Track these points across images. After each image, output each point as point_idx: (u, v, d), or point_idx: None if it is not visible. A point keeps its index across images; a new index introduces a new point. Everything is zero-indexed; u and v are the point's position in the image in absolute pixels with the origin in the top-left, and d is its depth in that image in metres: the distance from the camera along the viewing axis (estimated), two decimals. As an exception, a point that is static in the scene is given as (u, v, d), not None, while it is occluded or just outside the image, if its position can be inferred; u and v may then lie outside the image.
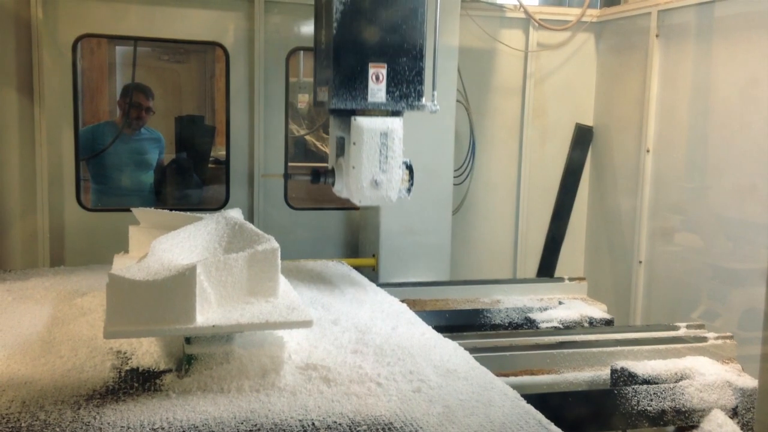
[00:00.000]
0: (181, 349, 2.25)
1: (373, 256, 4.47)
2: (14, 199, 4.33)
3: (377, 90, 3.13)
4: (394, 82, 3.15)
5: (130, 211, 3.24)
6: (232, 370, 2.16)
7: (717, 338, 3.16)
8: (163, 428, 1.88)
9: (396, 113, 3.20)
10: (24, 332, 2.57)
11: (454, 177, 4.71)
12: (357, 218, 4.86)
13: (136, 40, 4.83)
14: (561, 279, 4.22)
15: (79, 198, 4.45)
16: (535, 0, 5.44)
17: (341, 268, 3.86)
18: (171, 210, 3.09)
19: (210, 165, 6.74)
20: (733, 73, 4.16)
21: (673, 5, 4.55)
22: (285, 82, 4.73)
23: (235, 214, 2.82)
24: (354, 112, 3.15)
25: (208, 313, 2.15)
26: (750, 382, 2.77)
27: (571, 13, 5.22)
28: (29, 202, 4.34)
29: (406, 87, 3.17)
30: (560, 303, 3.83)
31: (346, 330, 2.69)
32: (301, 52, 6.08)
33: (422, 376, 2.26)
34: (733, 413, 2.71)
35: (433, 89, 3.32)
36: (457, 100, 4.67)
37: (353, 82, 3.10)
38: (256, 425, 1.91)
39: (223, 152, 4.86)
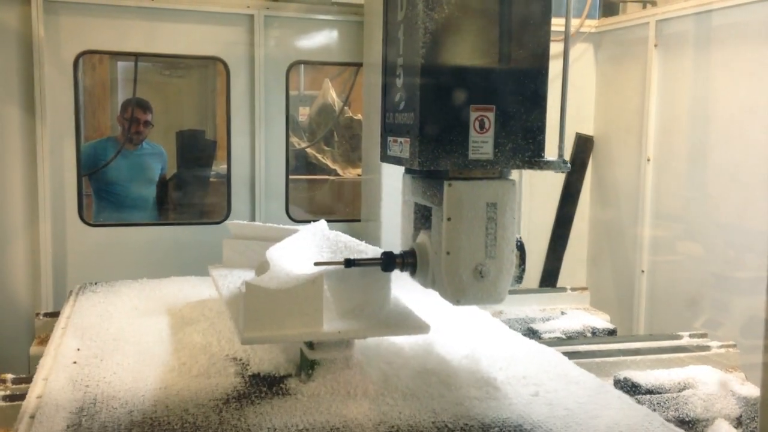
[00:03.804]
0: (299, 355, 2.33)
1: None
2: (17, 214, 4.34)
3: (482, 142, 2.19)
4: (504, 131, 2.20)
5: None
6: (354, 375, 2.24)
7: (720, 347, 3.16)
8: (307, 429, 1.95)
9: (505, 175, 2.29)
10: (138, 340, 2.64)
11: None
12: (359, 230, 4.87)
13: (137, 56, 4.87)
14: (563, 289, 4.21)
15: (81, 213, 4.46)
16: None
17: (404, 276, 3.87)
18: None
19: (211, 179, 6.76)
20: (732, 81, 4.17)
21: (671, 15, 4.57)
22: (285, 96, 4.75)
23: (323, 226, 2.86)
24: (447, 174, 2.20)
25: (330, 320, 2.24)
26: (753, 390, 2.76)
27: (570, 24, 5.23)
28: (31, 217, 4.34)
29: (522, 137, 2.24)
30: (563, 313, 3.82)
31: (450, 336, 2.70)
32: (302, 65, 6.12)
33: (536, 380, 2.30)
34: (738, 422, 2.69)
35: (561, 140, 2.41)
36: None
37: (447, 132, 2.16)
38: (393, 426, 1.97)
39: (225, 166, 4.88)
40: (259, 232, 3.05)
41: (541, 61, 2.32)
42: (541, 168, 2.30)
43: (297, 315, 2.17)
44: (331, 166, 7.40)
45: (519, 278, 2.37)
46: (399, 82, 2.34)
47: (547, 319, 3.70)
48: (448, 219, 2.20)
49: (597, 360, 3.02)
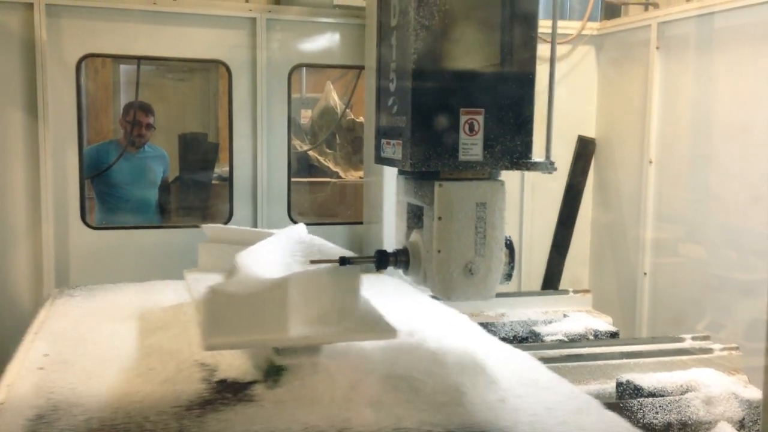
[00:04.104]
0: (267, 361, 2.30)
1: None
2: (19, 217, 4.35)
3: (472, 144, 2.26)
4: (493, 134, 2.27)
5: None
6: (322, 381, 2.20)
7: (723, 349, 3.15)
8: None
9: (495, 175, 2.36)
10: (109, 345, 2.62)
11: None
12: (361, 233, 4.87)
13: (139, 59, 4.88)
14: (565, 291, 4.22)
15: (83, 216, 4.47)
16: (535, 14, 5.46)
17: (393, 281, 3.87)
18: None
19: (214, 181, 6.77)
20: (734, 83, 4.17)
21: (673, 17, 4.57)
22: (287, 99, 4.75)
23: (301, 229, 2.85)
24: (438, 175, 2.29)
25: (297, 325, 2.20)
26: (756, 393, 2.76)
27: (572, 27, 5.24)
28: (34, 220, 4.35)
29: (511, 139, 2.30)
30: (565, 316, 3.82)
31: (422, 341, 2.68)
32: (303, 68, 6.13)
33: (506, 385, 2.27)
34: (740, 425, 2.69)
35: (548, 141, 2.45)
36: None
37: (438, 134, 2.23)
38: None
39: (227, 168, 4.89)
40: (235, 236, 3.02)
41: (528, 65, 2.34)
42: (528, 169, 2.36)
43: (261, 320, 2.13)
44: (333, 168, 7.41)
45: (508, 276, 2.43)
46: (392, 86, 2.40)
47: (550, 322, 3.70)
48: (439, 218, 2.27)
49: (599, 363, 3.02)
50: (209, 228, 3.20)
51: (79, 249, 4.46)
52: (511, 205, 5.29)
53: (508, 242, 2.39)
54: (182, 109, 8.12)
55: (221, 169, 6.69)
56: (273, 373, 2.24)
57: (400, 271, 2.51)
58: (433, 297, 3.32)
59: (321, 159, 7.44)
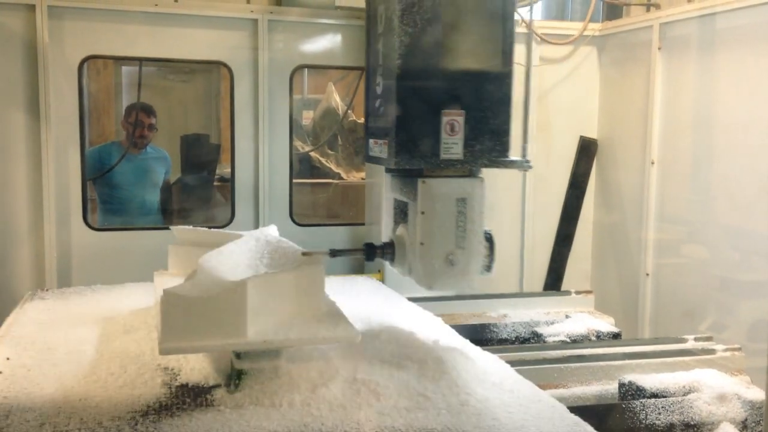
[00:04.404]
0: (229, 365, 2.28)
1: (379, 271, 4.47)
2: (21, 219, 4.36)
3: (452, 143, 2.42)
4: (473, 133, 2.43)
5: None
6: (282, 385, 2.18)
7: (725, 350, 3.14)
8: None
9: (475, 173, 2.52)
10: (72, 349, 2.59)
11: (459, 192, 4.70)
12: (363, 234, 4.87)
13: (141, 61, 4.88)
14: (568, 292, 4.21)
15: (85, 217, 4.47)
16: (537, 14, 5.47)
17: (370, 282, 3.86)
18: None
19: (215, 183, 6.78)
20: (736, 84, 4.17)
21: (675, 18, 4.57)
22: (289, 100, 4.76)
23: (271, 231, 2.83)
24: (421, 173, 2.46)
25: (257, 329, 2.17)
26: (759, 394, 2.75)
27: (573, 27, 5.24)
28: (36, 222, 4.36)
29: (489, 139, 2.45)
30: (567, 316, 3.81)
31: (388, 343, 2.66)
32: (305, 69, 6.13)
33: (468, 389, 2.26)
34: (743, 426, 2.68)
35: (524, 141, 2.74)
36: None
37: (421, 134, 2.40)
38: None
39: (229, 169, 4.89)
40: (204, 238, 2.99)
41: (506, 69, 2.50)
42: (506, 167, 2.53)
43: (219, 323, 2.10)
44: (335, 169, 7.41)
45: (488, 267, 2.56)
46: (379, 89, 2.58)
47: (552, 323, 3.70)
48: (422, 213, 2.44)
49: (601, 363, 3.01)
50: (178, 230, 3.17)
51: (80, 250, 4.46)
52: (513, 206, 5.30)
53: (488, 236, 2.52)
54: (184, 110, 8.13)
55: (223, 170, 6.70)
56: (234, 377, 2.21)
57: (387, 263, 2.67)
58: (410, 299, 3.40)
59: (323, 160, 7.44)
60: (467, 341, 2.80)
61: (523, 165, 2.59)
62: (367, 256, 2.65)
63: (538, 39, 5.13)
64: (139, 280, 3.67)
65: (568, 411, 2.13)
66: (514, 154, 2.54)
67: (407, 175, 2.51)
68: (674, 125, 4.65)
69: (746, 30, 4.09)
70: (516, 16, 5.27)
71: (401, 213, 2.62)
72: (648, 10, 5.02)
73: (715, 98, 4.32)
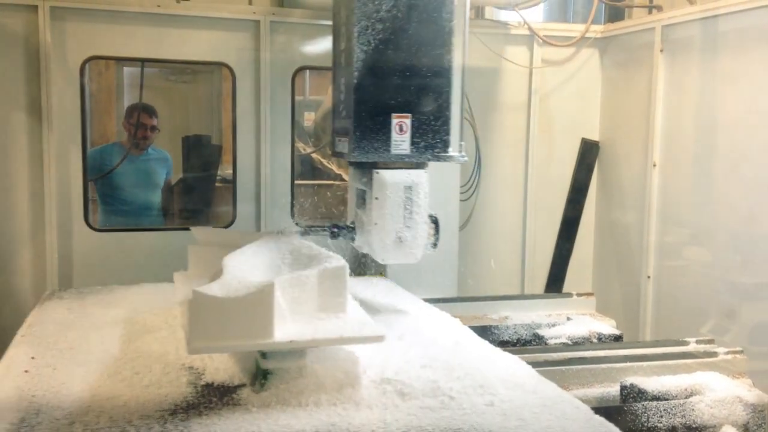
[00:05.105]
0: (254, 365, 2.30)
1: (381, 272, 4.47)
2: (23, 220, 4.36)
3: (401, 141, 2.96)
4: (418, 133, 2.98)
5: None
6: (309, 385, 2.21)
7: (727, 353, 3.14)
8: None
9: (420, 165, 3.04)
10: (95, 349, 2.61)
11: (461, 193, 4.70)
12: (364, 235, 4.87)
13: (143, 62, 4.88)
14: (569, 294, 4.20)
15: (87, 218, 4.47)
16: (539, 16, 5.46)
17: (385, 283, 3.86)
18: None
19: (217, 184, 6.77)
20: (738, 86, 4.16)
21: (677, 20, 4.56)
22: (291, 101, 4.75)
23: (290, 231, 2.87)
24: (376, 165, 2.99)
25: (283, 329, 2.20)
26: (761, 397, 2.75)
27: (575, 29, 5.24)
28: (38, 223, 4.36)
29: (432, 137, 2.99)
30: (569, 319, 3.81)
31: (412, 345, 2.69)
32: (307, 70, 6.13)
33: (492, 390, 2.29)
34: (744, 429, 2.68)
35: (459, 138, 3.17)
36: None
37: (375, 133, 2.94)
38: None
39: (230, 170, 4.89)
40: (225, 239, 3.03)
41: (446, 79, 3.03)
42: (445, 160, 3.06)
43: (246, 324, 2.12)
44: (336, 171, 7.40)
45: (434, 245, 3.11)
46: (342, 96, 3.14)
47: (553, 325, 3.70)
48: (376, 198, 2.97)
49: (603, 366, 3.01)
50: (199, 230, 3.19)
51: (82, 251, 4.46)
52: (514, 208, 5.30)
53: (433, 218, 3.09)
54: (186, 111, 8.12)
55: (224, 171, 6.69)
56: (259, 376, 2.23)
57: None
58: (426, 300, 3.53)
59: (324, 161, 7.43)
60: (486, 342, 2.82)
61: (459, 159, 3.13)
62: (332, 235, 3.15)
63: (541, 41, 5.13)
64: (141, 280, 3.67)
65: (592, 412, 2.14)
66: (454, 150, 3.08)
67: (365, 167, 3.03)
68: (676, 127, 4.64)
69: (748, 32, 4.09)
70: (518, 18, 5.29)
71: (361, 199, 3.11)
72: (650, 12, 5.01)
73: (717, 100, 4.32)
